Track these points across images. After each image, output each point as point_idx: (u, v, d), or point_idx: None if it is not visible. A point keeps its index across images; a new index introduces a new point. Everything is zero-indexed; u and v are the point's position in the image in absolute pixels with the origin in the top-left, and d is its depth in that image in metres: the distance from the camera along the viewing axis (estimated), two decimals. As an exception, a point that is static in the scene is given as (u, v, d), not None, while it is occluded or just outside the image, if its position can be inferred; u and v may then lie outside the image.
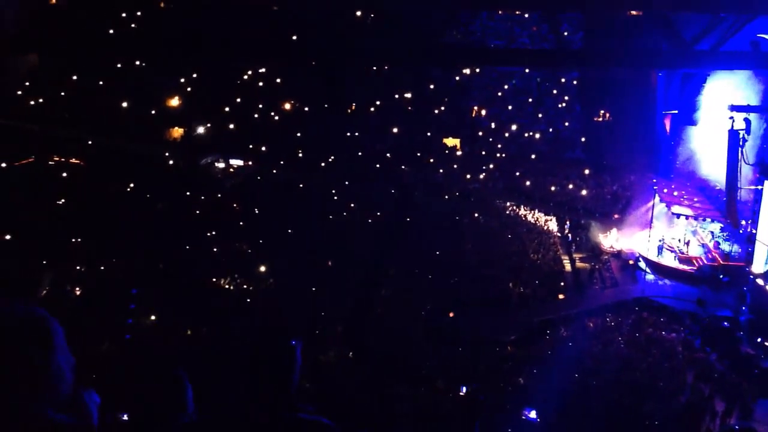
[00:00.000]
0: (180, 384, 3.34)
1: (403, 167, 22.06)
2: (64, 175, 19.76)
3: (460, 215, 21.37)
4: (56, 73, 20.35)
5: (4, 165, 18.97)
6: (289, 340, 3.22)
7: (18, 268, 16.81)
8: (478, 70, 24.09)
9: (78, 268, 18.19)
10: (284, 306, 17.49)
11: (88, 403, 2.86)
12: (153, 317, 16.15)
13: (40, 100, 19.92)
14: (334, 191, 20.61)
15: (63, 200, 19.01)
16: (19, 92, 19.85)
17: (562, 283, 20.24)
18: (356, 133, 22.10)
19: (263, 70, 21.61)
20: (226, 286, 18.47)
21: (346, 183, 20.90)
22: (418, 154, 22.62)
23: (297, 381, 3.24)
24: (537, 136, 24.50)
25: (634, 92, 23.32)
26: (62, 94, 20.11)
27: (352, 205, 20.60)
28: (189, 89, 21.02)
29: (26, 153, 19.55)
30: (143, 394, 3.36)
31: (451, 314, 18.59)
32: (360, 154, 21.85)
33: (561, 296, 19.75)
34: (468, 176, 22.70)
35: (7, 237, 17.63)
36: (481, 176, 22.93)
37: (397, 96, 22.83)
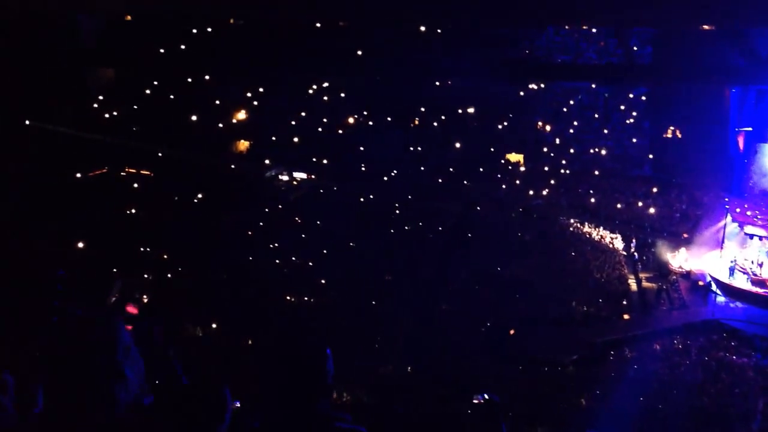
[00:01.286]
0: (223, 400, 3.37)
1: (465, 182, 21.96)
2: (135, 185, 20.38)
3: (522, 231, 21.12)
4: (130, 87, 21.05)
5: (79, 175, 19.69)
6: (324, 347, 3.22)
7: (90, 276, 17.37)
8: (543, 86, 23.84)
9: (146, 276, 18.69)
10: (344, 319, 17.57)
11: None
12: (214, 325, 16.45)
13: (114, 113, 20.61)
14: (396, 205, 20.68)
15: (133, 210, 19.60)
16: (95, 105, 20.58)
17: (627, 303, 19.75)
18: (419, 148, 22.14)
19: (327, 84, 21.88)
20: (288, 298, 18.68)
21: (408, 197, 20.93)
22: (481, 169, 22.48)
23: (331, 389, 3.23)
24: (603, 152, 24.05)
25: (705, 108, 22.68)
26: (135, 107, 20.76)
27: (414, 219, 20.61)
28: (255, 103, 21.46)
29: (100, 164, 20.25)
30: (188, 406, 3.40)
31: (512, 331, 18.34)
32: (422, 168, 21.86)
33: (626, 316, 19.27)
34: (531, 192, 22.43)
35: (80, 245, 18.25)
36: (545, 192, 22.63)
37: (460, 111, 22.78)
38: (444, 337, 18.16)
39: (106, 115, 20.45)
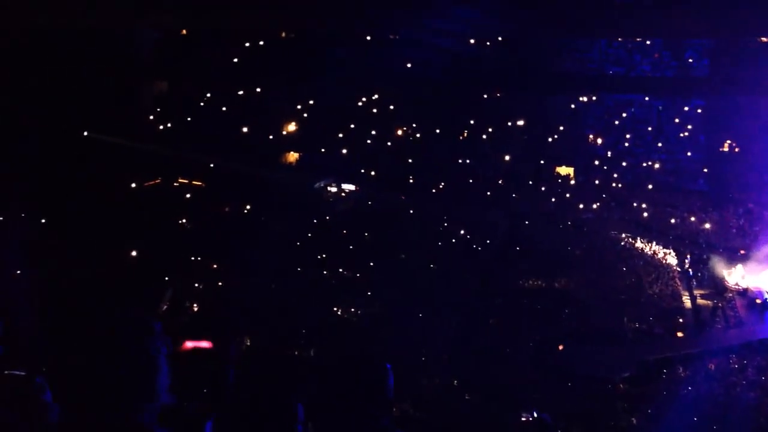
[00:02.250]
0: (294, 416, 3.38)
1: (513, 195, 21.79)
2: (187, 196, 20.77)
3: (572, 245, 20.85)
4: (184, 99, 21.51)
5: (134, 185, 20.16)
6: (385, 362, 3.20)
7: (142, 283, 17.77)
8: (594, 98, 23.52)
9: (196, 285, 19.02)
10: (390, 332, 17.57)
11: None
12: (254, 339, 16.62)
13: (168, 125, 21.06)
14: (444, 217, 20.65)
15: (184, 220, 19.98)
16: (151, 117, 21.06)
17: (681, 320, 19.29)
18: (467, 160, 22.06)
19: (376, 96, 22.00)
20: (334, 309, 18.77)
21: (456, 209, 20.88)
22: (530, 182, 22.28)
23: (391, 404, 3.21)
24: (656, 166, 23.56)
25: (763, 122, 22.07)
26: (188, 119, 21.19)
27: (462, 231, 20.54)
28: (305, 115, 21.69)
29: (154, 175, 20.71)
30: (255, 417, 3.41)
31: (561, 347, 18.07)
32: (470, 181, 21.78)
33: (679, 334, 18.82)
34: (581, 206, 22.13)
35: (133, 253, 18.67)
36: (595, 206, 22.29)
37: (510, 123, 22.62)
38: (491, 351, 18.00)
39: (161, 127, 20.90)
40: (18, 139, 17.94)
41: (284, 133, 21.78)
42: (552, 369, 17.39)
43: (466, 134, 23.04)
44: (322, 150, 21.73)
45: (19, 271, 17.14)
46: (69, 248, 17.54)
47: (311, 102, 21.58)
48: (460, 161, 22.24)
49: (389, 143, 22.13)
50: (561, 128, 23.41)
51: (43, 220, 18.38)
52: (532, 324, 18.48)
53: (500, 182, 22.15)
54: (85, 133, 19.56)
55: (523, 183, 22.32)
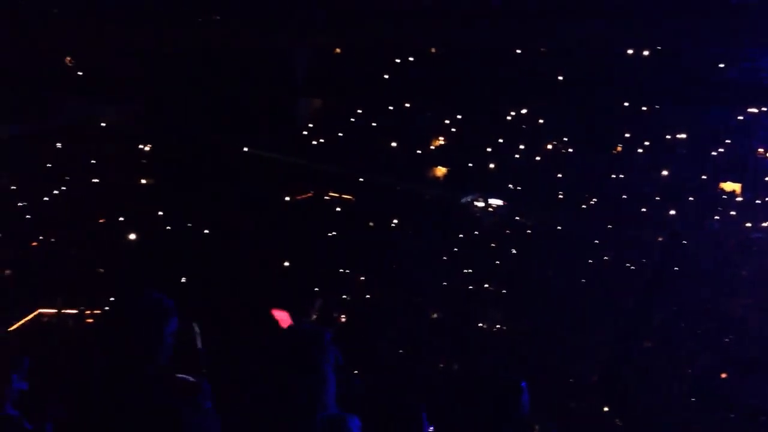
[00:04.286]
0: (420, 426, 3.37)
1: (672, 212, 20.63)
2: (338, 209, 21.37)
3: (737, 266, 19.44)
4: (336, 115, 22.22)
5: (287, 199, 21.03)
6: (519, 381, 3.10)
7: (293, 294, 18.41)
8: (765, 109, 21.84)
9: (344, 297, 19.50)
10: (537, 350, 17.20)
11: None
12: (402, 351, 16.75)
13: (321, 141, 21.81)
14: (594, 234, 19.91)
15: (335, 233, 20.55)
16: (305, 133, 21.92)
17: None
18: (621, 175, 21.16)
19: (525, 111, 21.64)
20: (480, 325, 18.60)
21: (608, 226, 20.07)
22: (690, 199, 21.01)
23: (525, 423, 3.09)
24: (836, 182, 21.52)
25: None
26: (340, 134, 21.84)
27: (614, 249, 19.71)
28: (453, 130, 21.74)
29: (307, 188, 21.50)
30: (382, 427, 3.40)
31: (724, 375, 16.87)
32: (624, 196, 20.86)
33: None
34: (748, 224, 20.59)
35: (286, 264, 19.45)
36: (765, 224, 20.66)
37: (668, 136, 21.47)
38: (645, 376, 17.13)
39: (314, 142, 21.69)
40: (183, 155, 19.29)
41: (432, 147, 21.93)
42: (714, 399, 16.31)
43: (620, 148, 22.12)
44: (470, 164, 21.65)
45: (184, 279, 18.32)
46: (229, 258, 18.58)
47: (459, 116, 21.59)
48: (613, 176, 21.38)
49: (538, 157, 21.68)
50: (727, 141, 21.95)
51: (206, 231, 19.57)
52: (691, 349, 17.40)
53: (657, 198, 21.06)
54: (245, 149, 20.69)
55: (683, 199, 21.10)
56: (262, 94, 19.95)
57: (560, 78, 20.19)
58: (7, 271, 17.84)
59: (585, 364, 17.41)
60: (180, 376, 3.77)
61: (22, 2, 14.97)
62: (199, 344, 3.91)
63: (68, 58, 18.50)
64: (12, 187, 18.94)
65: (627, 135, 21.82)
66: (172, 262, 18.26)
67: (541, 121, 21.89)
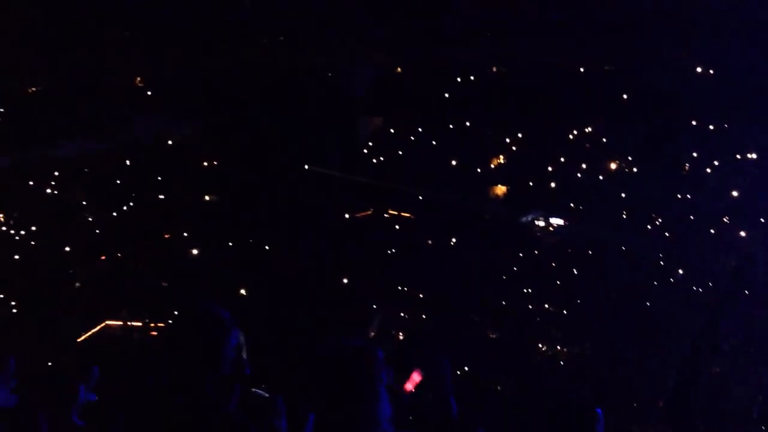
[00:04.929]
0: None
1: (742, 234, 19.95)
2: (397, 227, 21.39)
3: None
4: (396, 133, 22.29)
5: (347, 216, 21.15)
6: (593, 407, 3.03)
7: (353, 310, 18.53)
8: None
9: (402, 314, 19.46)
10: (599, 373, 16.82)
11: None
12: (460, 371, 16.58)
13: (381, 158, 21.91)
14: (660, 255, 19.40)
15: (394, 250, 20.55)
16: (365, 150, 22.06)
17: None
18: (687, 195, 20.60)
19: (589, 129, 21.32)
20: (539, 346, 18.30)
21: (673, 248, 19.53)
22: (762, 220, 20.28)
23: None
24: None
25: None
26: (400, 152, 21.90)
27: (680, 271, 19.15)
28: (514, 148, 21.56)
29: (366, 206, 21.60)
30: None
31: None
32: (691, 218, 20.29)
33: None
34: (824, 247, 19.72)
35: (345, 281, 19.54)
36: None
37: (738, 156, 20.83)
38: (713, 403, 16.55)
39: (374, 160, 21.80)
40: (246, 173, 19.65)
41: (492, 165, 21.77)
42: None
43: (687, 168, 21.57)
44: (530, 183, 21.41)
45: (244, 292, 18.60)
46: (289, 274, 18.79)
47: (519, 135, 21.41)
48: (679, 196, 20.82)
49: (601, 177, 21.30)
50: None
51: (267, 247, 19.84)
52: (762, 376, 16.74)
53: (725, 219, 20.41)
54: (306, 167, 20.93)
55: (753, 221, 20.39)
56: (324, 112, 20.20)
57: (625, 96, 19.85)
58: (77, 284, 18.37)
59: (650, 389, 16.92)
60: (255, 390, 3.77)
61: (95, 23, 15.56)
62: (245, 354, 3.91)
63: (138, 78, 19.12)
64: (82, 203, 19.56)
65: (695, 154, 21.28)
66: (234, 277, 18.56)
67: (604, 139, 21.53)
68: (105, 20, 15.62)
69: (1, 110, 18.53)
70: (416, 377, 5.64)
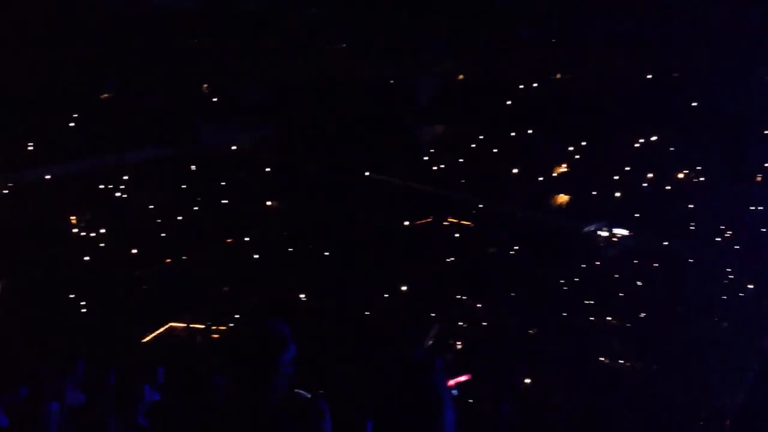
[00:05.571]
0: None
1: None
2: (457, 235, 21.31)
3: None
4: (458, 141, 22.28)
5: (407, 223, 21.20)
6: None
7: (410, 319, 18.52)
8: None
9: (460, 324, 19.32)
10: (665, 389, 16.39)
11: None
12: (527, 381, 16.36)
13: (442, 166, 21.91)
14: (728, 270, 18.80)
15: (453, 258, 20.47)
16: (426, 158, 22.09)
17: None
18: (759, 207, 19.93)
19: (655, 138, 20.88)
20: (601, 359, 17.92)
21: (743, 260, 18.90)
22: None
23: None
24: None
25: None
26: (461, 160, 21.86)
27: (750, 286, 18.50)
28: (577, 157, 21.25)
29: (427, 213, 21.61)
30: None
31: None
32: (763, 229, 19.61)
33: None
34: None
35: (403, 288, 19.55)
36: None
37: (814, 167, 20.08)
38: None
39: (435, 168, 21.80)
40: (309, 180, 19.92)
41: (554, 174, 21.52)
42: None
43: (760, 178, 20.89)
44: (594, 193, 21.06)
45: (304, 296, 18.81)
46: (348, 280, 18.91)
47: (583, 144, 21.10)
48: (752, 208, 20.17)
49: (668, 187, 20.81)
50: None
51: (327, 253, 20.03)
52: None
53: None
54: (367, 173, 21.10)
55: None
56: (386, 120, 20.35)
57: (694, 104, 19.39)
58: (144, 286, 18.86)
59: (716, 407, 16.34)
60: (297, 391, 3.81)
61: (162, 38, 16.06)
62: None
63: (205, 86, 19.63)
64: (150, 207, 20.12)
65: (766, 165, 20.61)
66: (295, 282, 18.79)
67: (672, 148, 21.04)
68: (174, 33, 16.10)
69: (75, 116, 19.29)
70: (462, 378, 5.61)
